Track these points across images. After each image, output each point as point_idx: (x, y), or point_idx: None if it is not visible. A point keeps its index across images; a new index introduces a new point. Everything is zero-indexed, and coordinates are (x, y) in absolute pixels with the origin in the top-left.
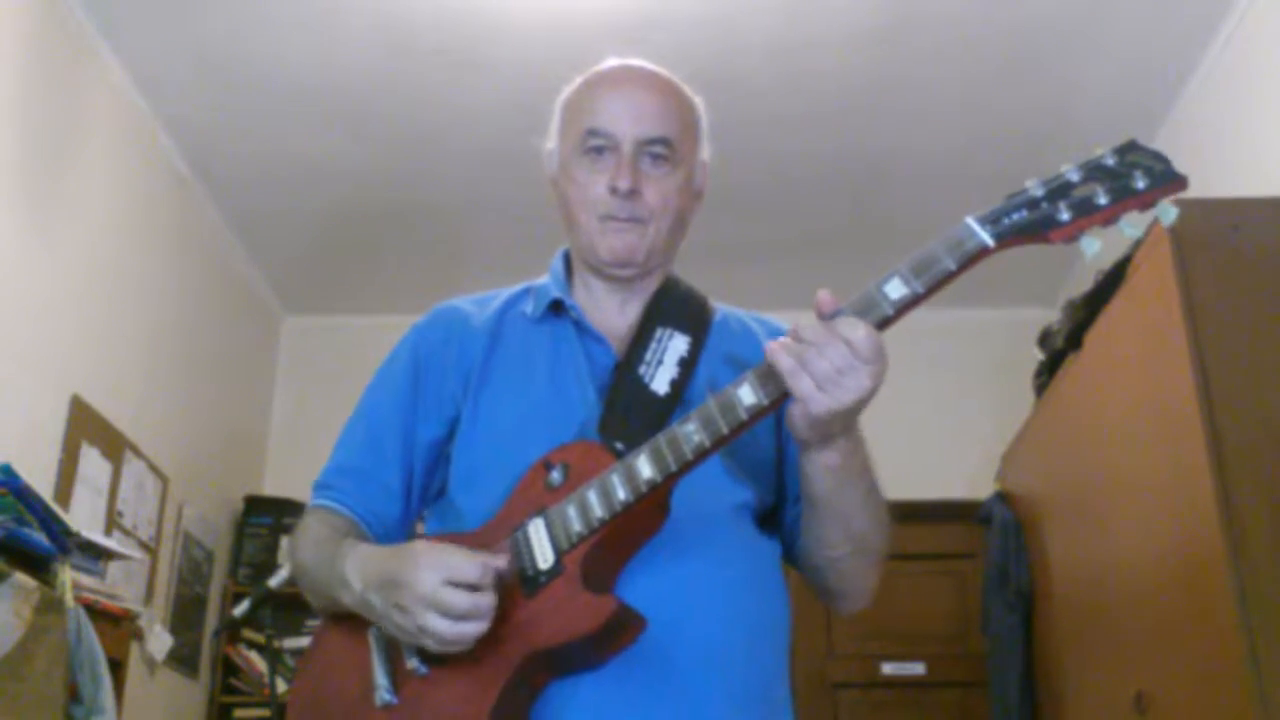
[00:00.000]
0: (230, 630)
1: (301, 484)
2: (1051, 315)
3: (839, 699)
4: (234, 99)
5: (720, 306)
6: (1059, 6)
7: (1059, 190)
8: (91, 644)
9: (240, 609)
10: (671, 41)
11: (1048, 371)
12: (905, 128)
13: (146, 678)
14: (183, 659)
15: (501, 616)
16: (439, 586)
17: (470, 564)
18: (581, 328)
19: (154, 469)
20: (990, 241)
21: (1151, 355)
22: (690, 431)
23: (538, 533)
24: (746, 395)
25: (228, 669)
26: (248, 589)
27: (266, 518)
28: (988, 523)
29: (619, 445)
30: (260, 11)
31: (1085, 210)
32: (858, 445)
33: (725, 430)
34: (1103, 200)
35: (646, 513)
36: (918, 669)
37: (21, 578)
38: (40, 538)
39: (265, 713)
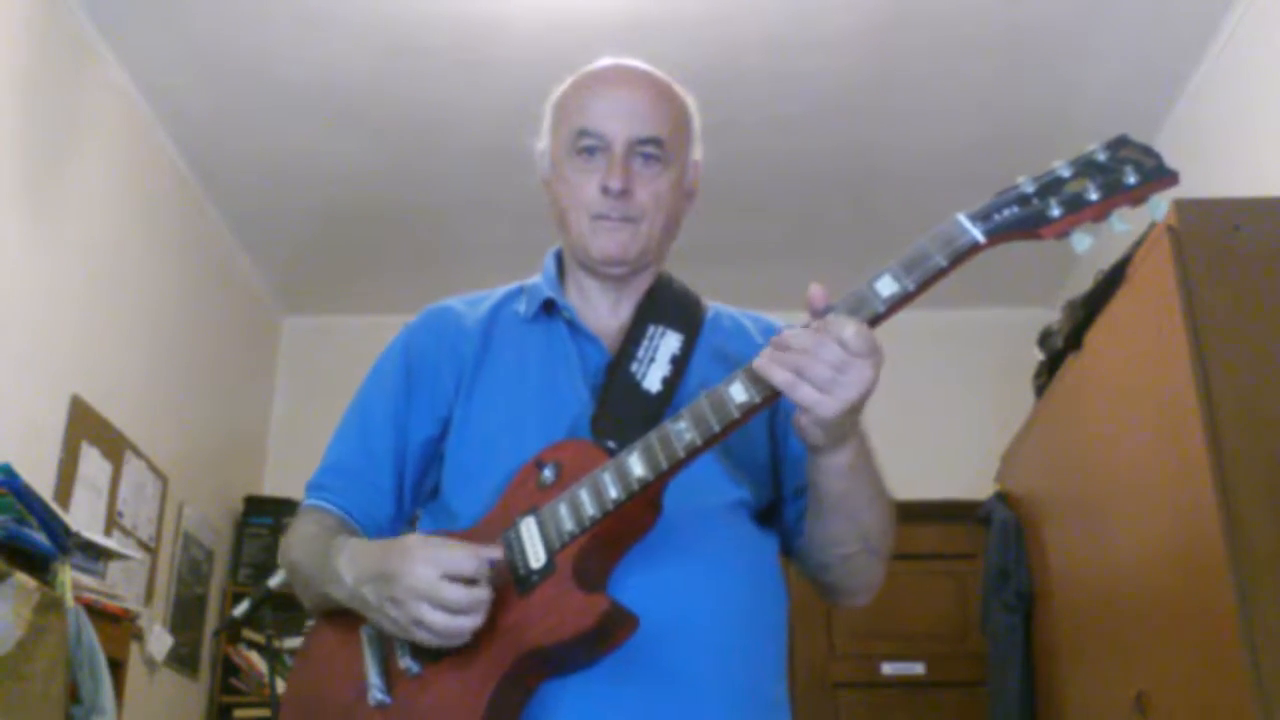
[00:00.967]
0: (230, 630)
1: (301, 484)
2: (1051, 315)
3: (839, 699)
4: (234, 99)
5: (713, 304)
6: (1059, 6)
7: (1050, 186)
8: (91, 644)
9: (240, 609)
10: (671, 41)
11: (1048, 371)
12: (904, 127)
13: (146, 678)
14: (183, 659)
15: (494, 616)
16: (435, 580)
17: (466, 557)
18: (574, 327)
19: (154, 469)
20: (981, 238)
21: (1151, 355)
22: (682, 429)
23: (529, 532)
24: (738, 393)
25: (228, 669)
26: (248, 589)
27: (266, 518)
28: (988, 523)
29: (611, 443)
30: (260, 11)
31: (1076, 206)
32: (864, 441)
33: (717, 428)
34: (1093, 196)
35: (639, 511)
36: (918, 669)
37: (21, 578)
38: (40, 538)
39: (265, 713)
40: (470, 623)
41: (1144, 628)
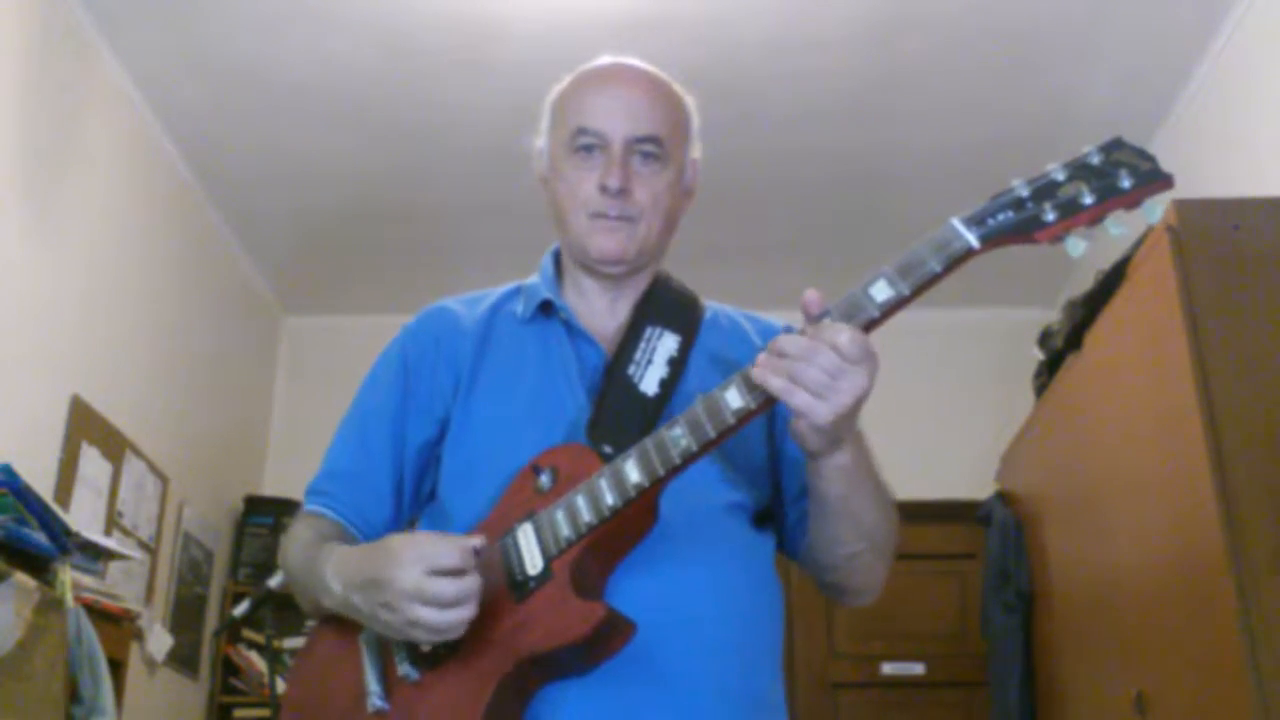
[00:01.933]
0: (230, 630)
1: (301, 484)
2: (1051, 315)
3: (839, 699)
4: (234, 99)
5: (711, 304)
6: (1059, 6)
7: (1045, 190)
8: (91, 644)
9: (240, 609)
10: (671, 41)
11: (1048, 371)
12: (904, 128)
13: (146, 678)
14: (183, 659)
15: (491, 622)
16: (422, 578)
17: (449, 550)
18: (571, 328)
19: (154, 469)
20: (976, 243)
21: (1151, 355)
22: (678, 436)
23: (526, 538)
24: (734, 399)
25: (228, 669)
26: (248, 589)
27: (266, 518)
28: (988, 523)
29: (607, 449)
30: (260, 11)
31: (1071, 210)
32: (861, 441)
33: (712, 434)
34: (1088, 200)
35: (635, 517)
36: (918, 669)
37: (21, 578)
38: (40, 538)
39: (265, 713)
40: (464, 614)
41: (1144, 628)
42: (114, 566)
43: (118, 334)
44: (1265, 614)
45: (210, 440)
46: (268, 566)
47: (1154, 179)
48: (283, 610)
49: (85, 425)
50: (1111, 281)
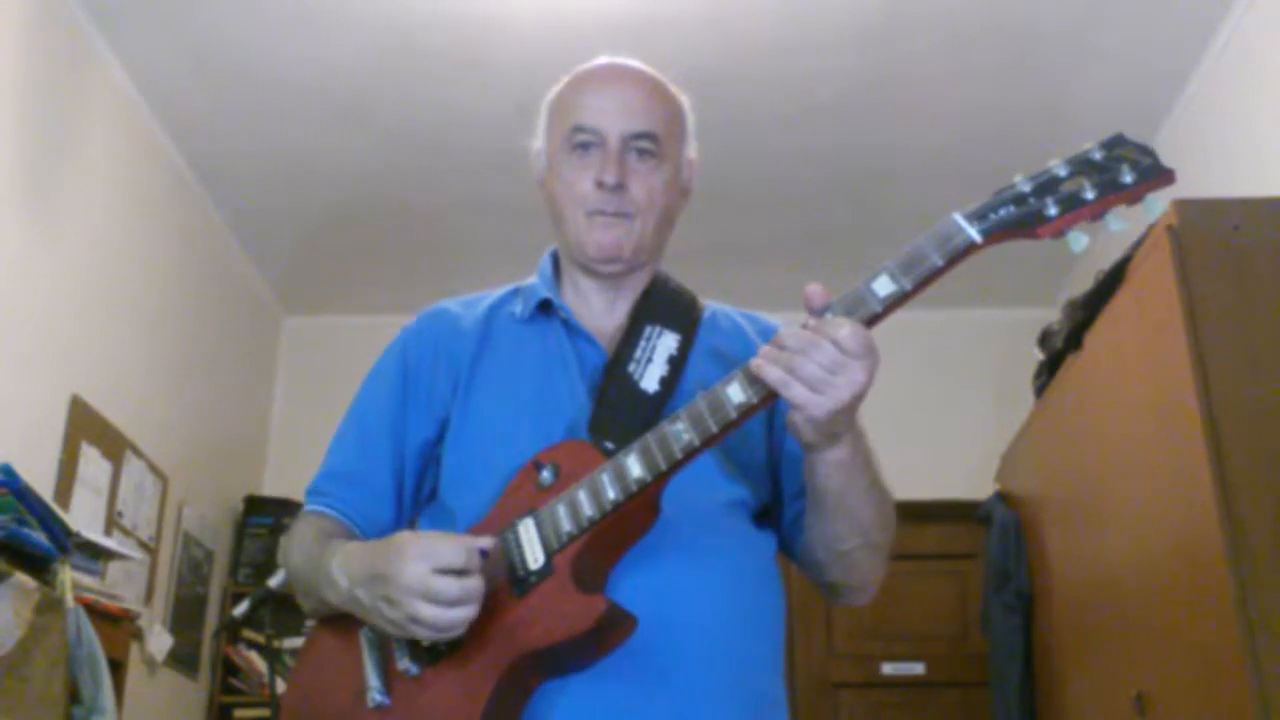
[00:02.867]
0: (230, 630)
1: (301, 484)
2: (1051, 315)
3: (839, 699)
4: (234, 98)
5: (709, 303)
6: (1059, 6)
7: (1046, 185)
8: (91, 644)
9: (240, 609)
10: (671, 41)
11: (1048, 371)
12: (904, 127)
13: (146, 678)
14: (183, 659)
15: (492, 617)
16: (426, 574)
17: (455, 549)
18: (570, 327)
19: (154, 469)
20: (978, 238)
21: (1152, 355)
22: (679, 430)
23: (528, 533)
24: (735, 394)
25: (228, 669)
26: (248, 589)
27: (266, 518)
28: (988, 523)
29: (609, 444)
30: (260, 11)
31: (1072, 205)
32: (859, 437)
33: (714, 429)
34: (1089, 195)
35: (637, 512)
36: (918, 669)
37: (21, 578)
38: (40, 538)
39: (265, 713)
40: (464, 613)
41: (1144, 628)
42: (114, 566)
43: (118, 334)
44: (1265, 613)
45: (210, 440)
46: (268, 567)
47: (1155, 174)
48: (283, 610)
49: (85, 425)
50: (1111, 281)
